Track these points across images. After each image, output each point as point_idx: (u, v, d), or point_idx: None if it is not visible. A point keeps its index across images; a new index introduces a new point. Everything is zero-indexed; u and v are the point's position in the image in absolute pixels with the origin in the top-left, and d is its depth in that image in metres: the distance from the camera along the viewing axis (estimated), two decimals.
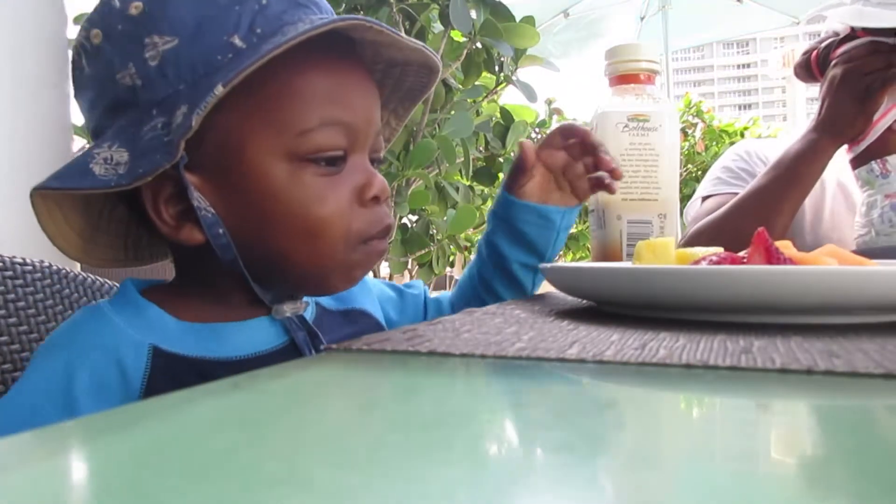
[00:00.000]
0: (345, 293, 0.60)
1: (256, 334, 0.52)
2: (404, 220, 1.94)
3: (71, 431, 0.21)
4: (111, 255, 0.55)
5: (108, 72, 0.48)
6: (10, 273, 0.65)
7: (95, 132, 0.51)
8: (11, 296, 0.65)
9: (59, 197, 0.48)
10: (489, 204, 2.71)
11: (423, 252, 1.92)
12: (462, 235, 1.99)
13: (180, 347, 0.49)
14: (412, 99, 0.60)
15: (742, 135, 4.30)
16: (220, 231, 0.48)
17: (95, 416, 0.21)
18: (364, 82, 0.51)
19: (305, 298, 0.55)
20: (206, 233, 0.47)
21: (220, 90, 0.43)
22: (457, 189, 1.84)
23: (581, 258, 4.09)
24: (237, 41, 0.46)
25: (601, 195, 0.71)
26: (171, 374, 0.48)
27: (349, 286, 0.54)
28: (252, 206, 0.48)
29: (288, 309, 0.53)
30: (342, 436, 0.20)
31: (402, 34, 0.50)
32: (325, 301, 0.59)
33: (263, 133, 0.47)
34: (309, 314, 0.56)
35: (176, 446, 0.18)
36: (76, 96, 0.53)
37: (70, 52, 0.52)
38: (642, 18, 4.56)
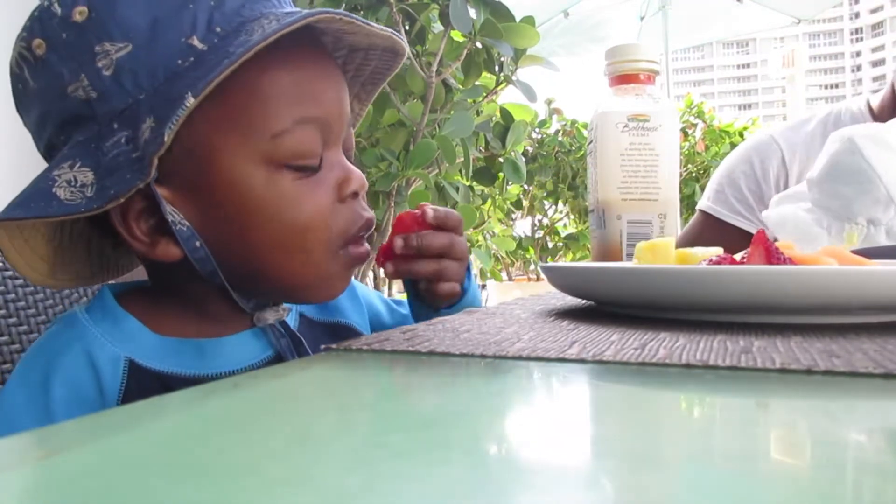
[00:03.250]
0: (332, 303, 0.58)
1: (240, 349, 0.51)
2: None
3: (71, 431, 0.21)
4: (75, 273, 0.51)
5: (56, 85, 0.44)
6: (10, 273, 0.65)
7: (48, 150, 0.47)
8: (11, 296, 0.65)
9: (18, 224, 0.44)
10: (489, 204, 2.72)
11: None
12: None
13: (158, 363, 0.47)
14: (375, 83, 0.57)
15: (741, 135, 4.30)
16: (198, 244, 0.45)
17: (95, 416, 0.21)
18: (332, 73, 0.49)
19: (287, 304, 0.54)
20: (182, 247, 0.45)
21: (191, 102, 0.40)
22: (457, 189, 1.84)
23: (581, 258, 4.09)
24: (196, 42, 0.43)
25: (601, 195, 0.71)
26: (146, 388, 0.46)
27: (332, 296, 0.52)
28: (229, 216, 0.45)
29: (270, 316, 0.51)
30: (342, 436, 0.20)
31: (372, 24, 0.47)
32: (310, 311, 0.57)
33: (234, 139, 0.44)
34: (291, 321, 0.54)
35: (176, 446, 0.18)
36: (20, 112, 0.49)
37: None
38: (642, 18, 4.55)
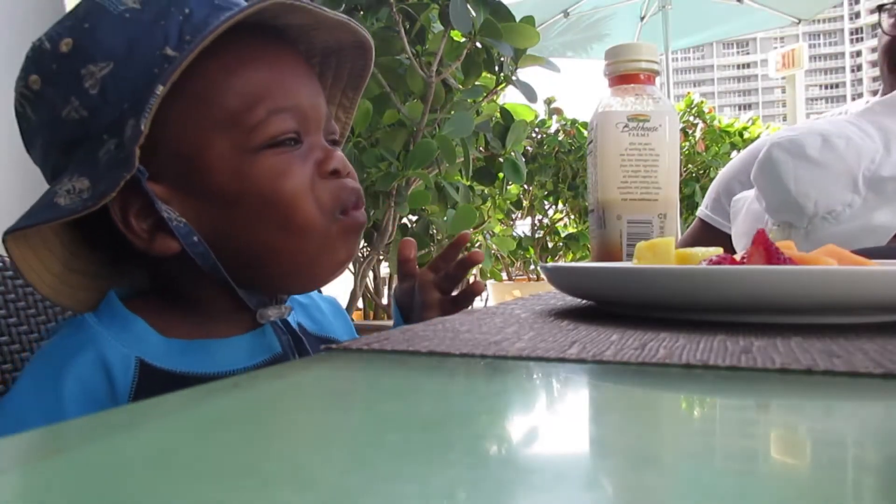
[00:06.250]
0: (324, 320, 0.61)
1: (245, 348, 0.52)
2: (404, 220, 1.94)
3: (71, 431, 0.21)
4: (83, 297, 0.53)
5: (53, 113, 0.48)
6: (10, 273, 0.65)
7: (54, 174, 0.51)
8: (11, 296, 0.65)
9: (32, 239, 0.48)
10: (489, 204, 2.72)
11: (423, 252, 1.92)
12: None
13: (167, 363, 0.49)
14: (355, 87, 0.60)
15: (741, 135, 4.30)
16: (196, 239, 0.48)
17: (96, 416, 0.21)
18: (300, 67, 0.52)
19: (289, 303, 0.56)
20: (181, 242, 0.48)
21: (160, 90, 0.43)
22: (457, 189, 1.84)
23: (581, 258, 4.09)
24: (169, 51, 0.47)
25: (601, 195, 0.71)
26: (157, 387, 0.47)
27: (335, 270, 0.53)
28: (221, 207, 0.48)
29: (273, 313, 0.53)
30: (342, 436, 0.20)
31: (326, 9, 0.50)
32: (306, 323, 0.60)
33: (215, 135, 0.48)
34: (292, 323, 0.56)
35: (176, 446, 0.18)
36: (28, 149, 0.53)
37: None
38: (642, 18, 4.56)
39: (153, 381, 0.48)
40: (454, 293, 0.66)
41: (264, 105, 0.48)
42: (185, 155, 0.48)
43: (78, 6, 0.50)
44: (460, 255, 0.67)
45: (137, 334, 0.49)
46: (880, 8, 1.03)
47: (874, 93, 1.12)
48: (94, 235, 0.51)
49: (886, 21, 1.02)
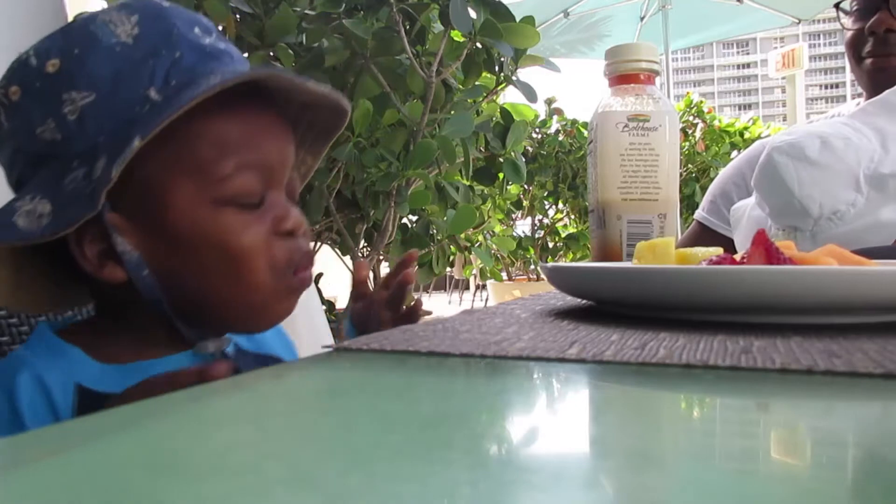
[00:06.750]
0: (261, 338, 0.62)
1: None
2: (404, 220, 1.94)
3: (71, 431, 0.21)
4: (32, 301, 0.54)
5: (27, 127, 0.49)
6: None
7: (17, 184, 0.51)
8: None
9: None
10: (489, 204, 2.72)
11: (423, 252, 1.92)
12: (462, 235, 1.99)
13: (105, 387, 0.49)
14: (325, 139, 0.62)
15: (741, 135, 4.30)
16: (144, 273, 0.49)
17: (95, 416, 0.21)
18: (276, 125, 0.53)
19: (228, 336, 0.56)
20: (129, 273, 0.48)
21: (137, 143, 0.44)
22: (457, 189, 1.84)
23: (581, 258, 4.09)
24: (153, 94, 0.48)
25: (601, 195, 0.71)
26: (99, 409, 0.48)
27: (275, 321, 0.55)
28: (175, 248, 0.49)
29: (212, 346, 0.54)
30: (342, 436, 0.20)
31: (310, 82, 0.52)
32: (242, 341, 0.60)
33: (183, 180, 0.49)
34: (229, 349, 0.57)
35: (176, 446, 0.18)
36: None
37: None
38: (642, 18, 4.56)
39: (94, 405, 0.48)
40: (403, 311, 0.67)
41: (234, 159, 0.49)
42: (147, 192, 0.49)
43: (72, 27, 0.50)
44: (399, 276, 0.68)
45: (73, 361, 0.50)
46: (837, 6, 1.06)
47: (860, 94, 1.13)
48: (44, 249, 0.51)
49: (846, 18, 1.04)
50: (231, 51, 0.53)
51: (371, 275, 2.04)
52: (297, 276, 0.53)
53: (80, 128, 0.47)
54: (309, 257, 0.55)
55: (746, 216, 0.79)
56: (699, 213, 1.16)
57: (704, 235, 1.12)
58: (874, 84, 1.00)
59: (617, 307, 0.45)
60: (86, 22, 0.50)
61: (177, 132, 0.47)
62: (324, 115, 0.59)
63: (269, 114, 0.53)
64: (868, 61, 1.01)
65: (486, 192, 2.45)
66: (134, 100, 0.47)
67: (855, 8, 1.03)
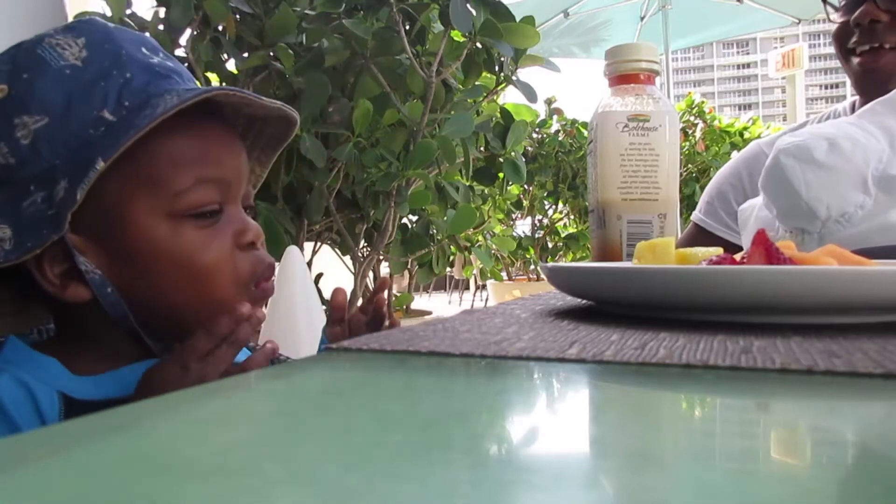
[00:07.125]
0: None
1: None
2: (404, 220, 1.94)
3: (70, 431, 0.21)
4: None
5: None
6: None
7: None
8: None
9: None
10: (489, 204, 2.72)
11: (423, 252, 1.92)
12: (462, 235, 1.99)
13: (86, 395, 0.50)
14: (274, 148, 0.63)
15: (742, 135, 4.30)
16: (109, 290, 0.49)
17: (96, 416, 0.21)
18: (230, 140, 0.54)
19: None
20: (94, 292, 0.49)
21: (101, 165, 0.45)
22: (457, 189, 1.84)
23: (581, 258, 4.09)
24: (107, 115, 0.48)
25: (601, 195, 0.71)
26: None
27: None
28: (138, 265, 0.50)
29: None
30: (342, 436, 0.20)
31: (263, 98, 0.53)
32: None
33: (142, 197, 0.49)
34: None
35: (176, 446, 0.18)
36: None
37: None
38: (642, 18, 4.56)
39: (80, 411, 0.48)
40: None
41: (191, 173, 0.50)
42: (106, 210, 0.49)
43: (18, 52, 0.50)
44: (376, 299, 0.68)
45: (53, 372, 0.50)
46: (825, 0, 1.06)
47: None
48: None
49: (832, 11, 1.05)
50: (179, 69, 0.54)
51: (371, 274, 2.04)
52: (260, 287, 0.54)
53: (33, 151, 0.47)
54: (271, 268, 0.56)
55: (754, 217, 0.79)
56: (696, 215, 1.16)
57: (701, 237, 1.12)
58: (862, 85, 1.00)
59: (617, 307, 0.45)
60: (32, 45, 0.50)
61: (135, 151, 0.47)
62: (272, 126, 0.60)
63: (223, 129, 0.54)
64: (856, 60, 1.01)
65: (486, 192, 2.46)
66: (88, 122, 0.48)
67: (843, 3, 1.03)
